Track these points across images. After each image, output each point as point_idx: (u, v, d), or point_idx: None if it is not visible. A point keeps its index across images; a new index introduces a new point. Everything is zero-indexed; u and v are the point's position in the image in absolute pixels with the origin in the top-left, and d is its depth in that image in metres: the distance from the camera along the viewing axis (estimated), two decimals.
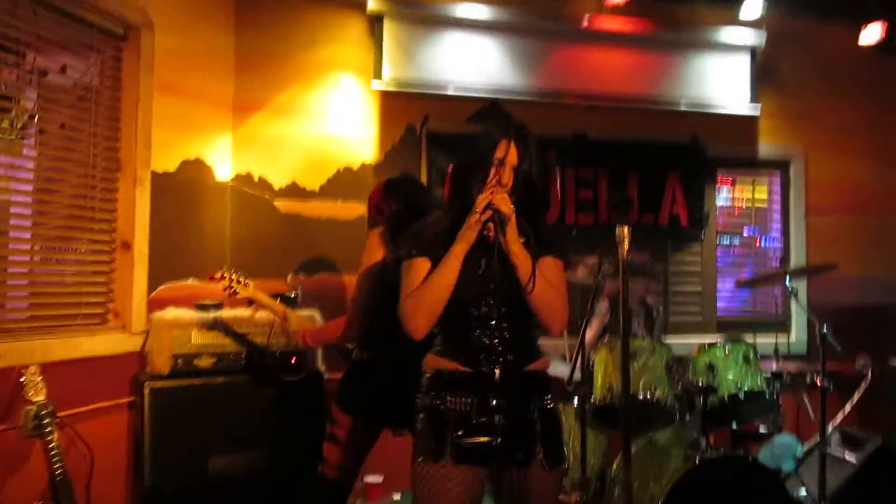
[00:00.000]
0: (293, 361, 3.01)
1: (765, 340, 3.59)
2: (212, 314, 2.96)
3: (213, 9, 3.75)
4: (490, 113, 4.21)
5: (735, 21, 4.40)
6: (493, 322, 1.82)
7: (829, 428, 3.29)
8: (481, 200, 1.75)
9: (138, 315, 3.10)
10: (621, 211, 1.78)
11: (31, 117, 2.70)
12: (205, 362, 2.91)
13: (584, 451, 2.71)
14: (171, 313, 2.90)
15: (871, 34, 4.47)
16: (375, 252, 2.42)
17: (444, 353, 1.88)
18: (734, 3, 4.29)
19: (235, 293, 2.68)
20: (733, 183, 4.74)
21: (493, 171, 1.84)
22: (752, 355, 2.90)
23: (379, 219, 2.52)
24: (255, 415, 2.95)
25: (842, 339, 3.08)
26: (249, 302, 2.96)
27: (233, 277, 2.69)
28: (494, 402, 1.77)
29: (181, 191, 3.46)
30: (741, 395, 2.81)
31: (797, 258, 4.60)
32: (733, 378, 2.83)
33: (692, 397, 2.89)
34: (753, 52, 4.55)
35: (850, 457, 3.45)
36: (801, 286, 4.56)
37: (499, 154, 1.85)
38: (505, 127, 1.90)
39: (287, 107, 3.97)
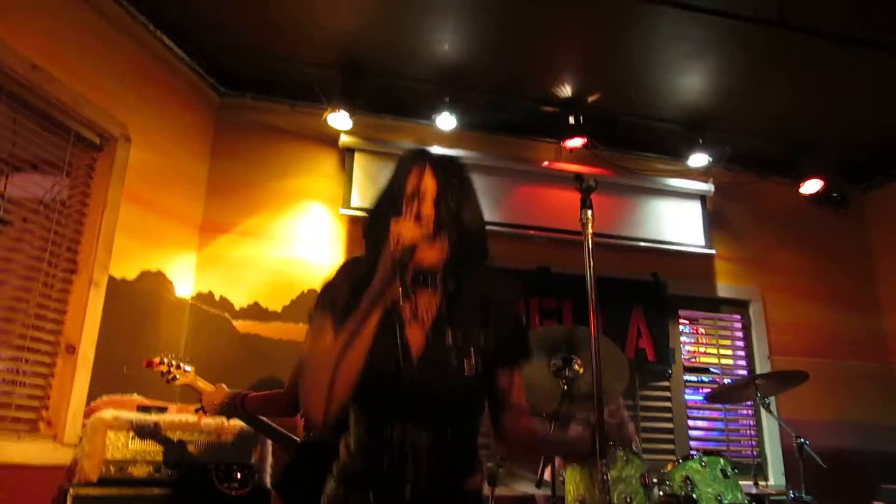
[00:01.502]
0: (238, 475, 2.73)
1: (743, 482, 3.44)
2: (153, 417, 2.73)
3: (192, 134, 3.92)
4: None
5: (685, 171, 4.74)
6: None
7: None
8: (393, 236, 1.36)
9: (73, 425, 2.86)
10: (585, 195, 1.55)
11: None
12: (140, 471, 2.62)
13: None
14: (109, 413, 2.66)
15: (811, 186, 4.82)
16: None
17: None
18: (682, 156, 4.65)
19: (174, 379, 2.49)
20: (696, 322, 4.78)
21: (405, 204, 1.44)
22: (729, 470, 2.73)
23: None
24: None
25: (818, 497, 2.96)
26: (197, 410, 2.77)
27: (172, 363, 2.52)
28: None
29: (138, 300, 3.37)
30: None
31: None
32: (713, 491, 2.64)
33: None
34: (704, 199, 4.85)
35: None
36: (774, 428, 4.49)
37: (412, 183, 1.46)
38: (419, 153, 1.52)
39: (255, 230, 4.02)
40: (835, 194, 5.06)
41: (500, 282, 1.56)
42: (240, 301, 3.86)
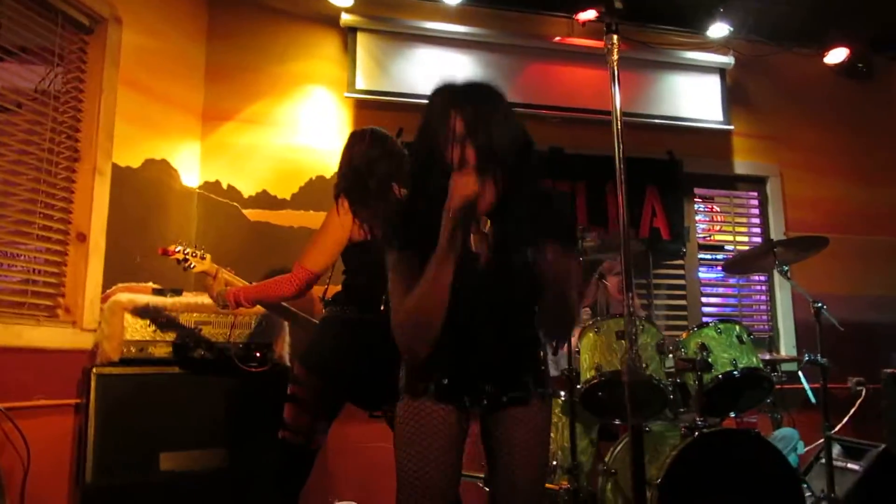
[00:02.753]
0: (257, 354, 2.78)
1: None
2: (170, 299, 2.74)
3: (185, 16, 3.74)
4: None
5: (703, 44, 4.51)
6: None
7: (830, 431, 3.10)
8: (453, 191, 1.41)
9: (90, 311, 2.88)
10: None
11: None
12: (160, 350, 2.67)
13: (573, 437, 2.49)
14: (125, 296, 2.67)
15: (837, 56, 4.60)
16: (339, 215, 2.27)
17: None
18: (701, 27, 4.42)
19: (191, 266, 2.47)
20: (712, 200, 4.70)
21: (450, 150, 1.47)
22: (745, 336, 2.75)
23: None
24: (214, 409, 2.68)
25: (832, 361, 2.97)
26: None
27: (188, 251, 2.49)
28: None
29: (144, 189, 3.32)
30: (737, 374, 2.64)
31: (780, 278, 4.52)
32: (728, 357, 2.67)
33: (685, 381, 2.71)
34: (723, 73, 4.64)
35: (853, 465, 3.28)
36: (787, 302, 4.50)
37: (448, 128, 1.48)
38: (448, 95, 1.53)
39: (259, 117, 3.90)
40: (860, 64, 4.84)
41: (551, 197, 1.68)
42: (248, 189, 3.81)
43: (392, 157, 2.41)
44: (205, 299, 2.78)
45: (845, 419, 3.76)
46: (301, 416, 2.17)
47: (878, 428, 3.67)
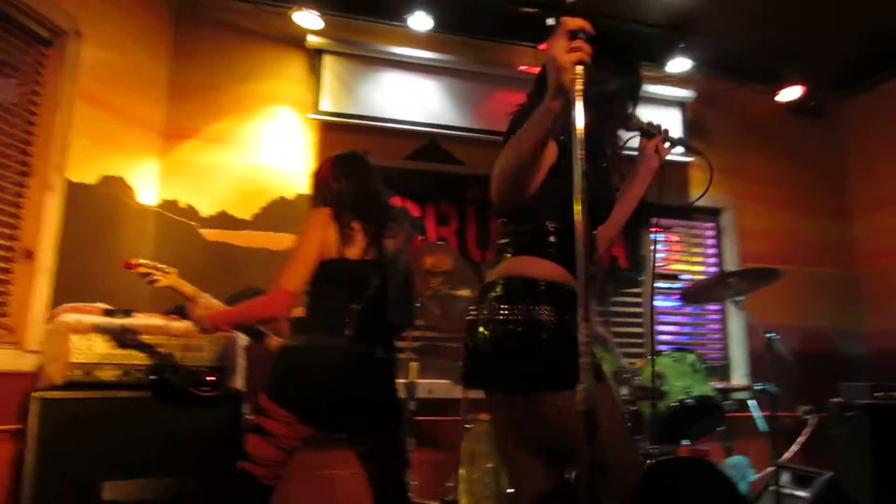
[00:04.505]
0: (210, 378, 2.71)
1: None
2: (119, 321, 2.66)
3: (149, 32, 3.70)
4: (428, 152, 4.21)
5: (665, 77, 4.63)
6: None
7: (779, 459, 3.16)
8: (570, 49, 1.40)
9: (34, 332, 2.77)
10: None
11: None
12: (107, 374, 2.58)
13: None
14: (72, 317, 2.58)
15: (790, 94, 4.77)
16: (319, 231, 2.23)
17: (550, 256, 1.64)
18: (663, 61, 4.54)
19: (154, 281, 2.40)
20: (670, 230, 4.80)
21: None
22: (699, 364, 2.80)
23: (328, 197, 2.36)
24: (162, 436, 2.59)
25: (783, 390, 3.05)
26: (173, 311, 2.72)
27: (151, 265, 2.42)
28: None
29: (99, 206, 3.24)
30: (690, 402, 2.67)
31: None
32: (682, 385, 2.71)
33: (640, 409, 2.74)
34: (684, 106, 4.77)
35: (801, 492, 3.35)
36: (740, 332, 4.60)
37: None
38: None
39: (221, 136, 3.86)
40: (812, 102, 5.03)
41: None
42: (206, 209, 3.75)
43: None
44: (156, 320, 2.71)
45: (794, 447, 3.83)
46: (268, 448, 2.10)
47: (827, 456, 3.75)
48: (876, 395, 3.53)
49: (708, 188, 1.95)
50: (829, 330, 4.79)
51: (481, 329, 1.62)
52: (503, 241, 1.76)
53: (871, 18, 4.17)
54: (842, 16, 4.18)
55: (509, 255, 1.72)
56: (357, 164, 2.46)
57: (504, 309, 1.60)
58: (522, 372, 1.57)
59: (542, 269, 1.66)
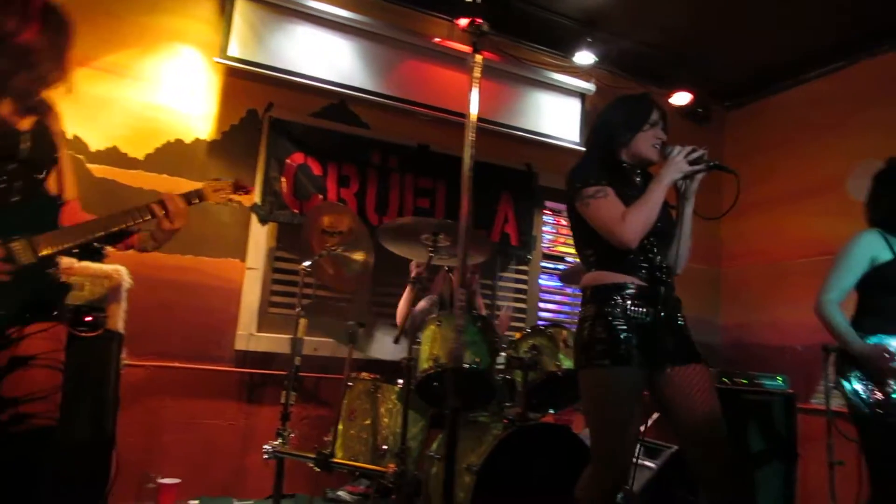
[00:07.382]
0: (88, 319, 2.63)
1: None
2: None
3: None
4: (335, 112, 4.20)
5: (569, 69, 4.84)
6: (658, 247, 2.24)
7: None
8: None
9: None
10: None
11: None
12: None
13: (405, 423, 2.62)
14: None
15: (681, 98, 5.11)
16: None
17: (620, 270, 2.18)
18: (570, 52, 4.74)
19: None
20: (560, 214, 5.05)
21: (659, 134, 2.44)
22: (571, 341, 3.00)
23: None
24: None
25: None
26: None
27: None
28: (662, 313, 2.20)
29: None
30: (559, 374, 2.89)
31: None
32: (553, 359, 2.92)
33: (514, 378, 2.94)
34: (584, 98, 5.00)
35: (650, 463, 3.70)
36: None
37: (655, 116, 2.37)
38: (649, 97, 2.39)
39: (118, 68, 3.68)
40: (700, 109, 5.42)
41: None
42: (96, 143, 3.58)
43: None
44: None
45: (649, 422, 4.19)
46: None
47: None
48: (723, 379, 3.93)
49: (735, 203, 2.46)
50: (691, 319, 5.22)
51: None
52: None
53: (762, 35, 4.54)
54: (736, 29, 4.52)
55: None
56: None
57: None
58: None
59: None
